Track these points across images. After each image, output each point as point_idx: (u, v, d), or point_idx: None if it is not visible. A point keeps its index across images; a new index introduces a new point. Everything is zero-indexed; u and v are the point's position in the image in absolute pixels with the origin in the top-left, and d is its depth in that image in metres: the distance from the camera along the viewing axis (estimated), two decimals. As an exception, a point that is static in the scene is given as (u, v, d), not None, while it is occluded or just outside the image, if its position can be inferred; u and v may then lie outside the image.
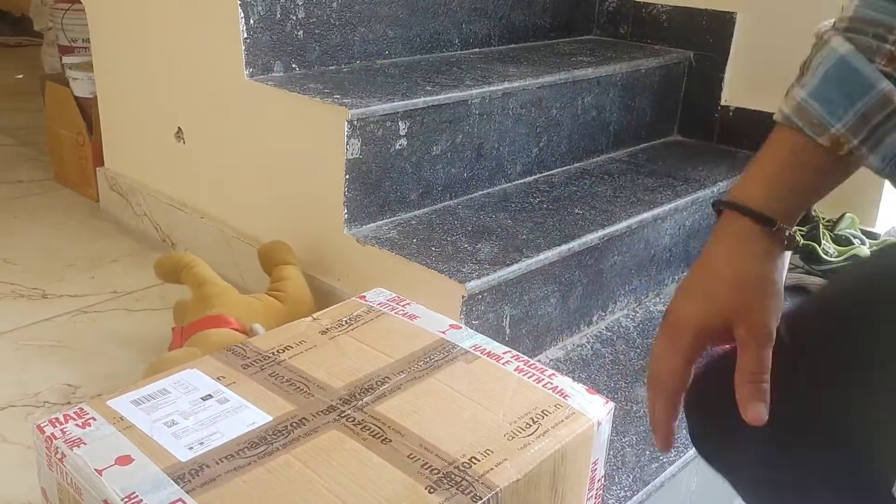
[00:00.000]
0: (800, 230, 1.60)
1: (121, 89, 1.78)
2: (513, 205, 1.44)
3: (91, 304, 1.49)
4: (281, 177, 1.45)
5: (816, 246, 1.56)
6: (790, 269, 1.45)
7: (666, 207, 1.48)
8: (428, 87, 1.41)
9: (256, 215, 1.52)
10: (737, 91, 1.87)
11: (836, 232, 1.59)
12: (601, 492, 0.92)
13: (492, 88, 1.45)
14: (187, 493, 0.69)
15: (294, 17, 1.44)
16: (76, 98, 1.90)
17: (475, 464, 0.75)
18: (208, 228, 1.61)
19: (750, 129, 1.84)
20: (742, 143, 1.86)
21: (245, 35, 1.38)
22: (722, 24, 1.85)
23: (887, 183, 1.91)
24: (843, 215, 1.62)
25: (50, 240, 1.75)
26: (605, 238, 1.37)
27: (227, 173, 1.56)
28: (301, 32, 1.46)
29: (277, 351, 0.92)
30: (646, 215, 1.44)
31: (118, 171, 1.86)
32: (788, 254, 0.62)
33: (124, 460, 0.73)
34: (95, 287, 1.55)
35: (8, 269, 1.61)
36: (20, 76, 3.14)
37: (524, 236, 1.31)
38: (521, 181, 1.56)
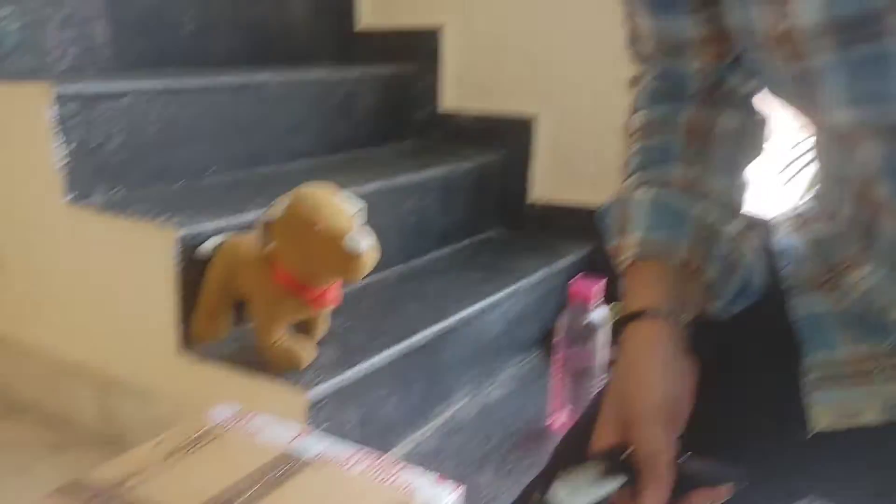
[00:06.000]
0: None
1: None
2: (348, 309, 1.48)
3: None
4: (109, 301, 1.42)
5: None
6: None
7: (493, 298, 1.58)
8: (258, 199, 1.45)
9: (85, 342, 1.47)
10: (543, 186, 2.04)
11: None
12: (457, 580, 0.95)
13: (319, 199, 1.50)
14: None
15: (115, 141, 1.44)
16: None
17: (333, 569, 0.77)
18: (30, 360, 1.53)
19: (558, 220, 2.01)
20: (553, 233, 2.02)
21: (64, 161, 1.37)
22: (523, 128, 2.03)
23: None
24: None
25: None
26: (440, 332, 1.44)
27: (50, 301, 1.51)
28: (122, 155, 1.47)
29: (121, 481, 0.90)
30: (475, 307, 1.53)
31: (-77, 308, 1.74)
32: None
33: None
34: None
35: None
36: None
37: (362, 339, 1.35)
38: (356, 285, 1.61)
